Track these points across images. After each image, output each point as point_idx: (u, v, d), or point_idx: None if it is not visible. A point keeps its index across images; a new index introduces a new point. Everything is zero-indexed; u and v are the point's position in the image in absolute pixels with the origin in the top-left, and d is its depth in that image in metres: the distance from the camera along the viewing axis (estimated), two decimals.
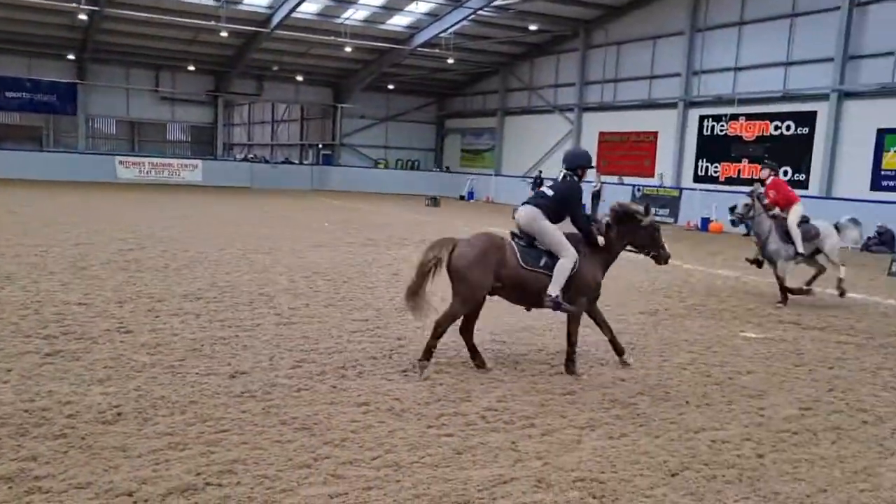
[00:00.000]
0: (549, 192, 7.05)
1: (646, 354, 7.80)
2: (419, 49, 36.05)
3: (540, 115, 37.85)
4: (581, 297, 6.87)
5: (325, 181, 41.33)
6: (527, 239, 6.91)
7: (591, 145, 34.33)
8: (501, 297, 6.94)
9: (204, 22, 31.61)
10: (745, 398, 6.43)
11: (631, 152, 32.54)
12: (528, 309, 7.20)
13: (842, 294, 11.75)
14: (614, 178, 32.11)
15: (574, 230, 6.98)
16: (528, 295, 6.82)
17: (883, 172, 23.60)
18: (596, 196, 28.45)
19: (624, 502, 4.31)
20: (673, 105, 30.25)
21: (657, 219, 7.42)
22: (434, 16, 33.72)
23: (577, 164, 7.14)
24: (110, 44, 35.67)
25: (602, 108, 33.98)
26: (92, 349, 6.86)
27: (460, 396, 6.04)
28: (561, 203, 6.95)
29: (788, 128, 26.37)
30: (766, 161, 13.90)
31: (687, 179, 29.86)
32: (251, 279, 11.02)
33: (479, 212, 30.31)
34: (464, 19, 33.00)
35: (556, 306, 6.70)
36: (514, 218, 7.16)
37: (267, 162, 43.73)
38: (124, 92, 39.08)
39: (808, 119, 25.70)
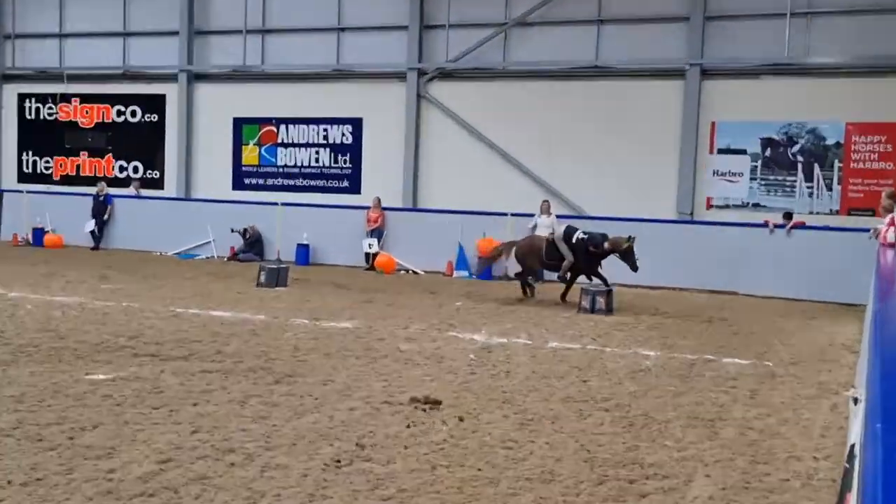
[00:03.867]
0: (582, 235, 17.02)
1: None
2: None
3: None
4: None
5: None
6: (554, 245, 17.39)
7: None
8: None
9: None
10: (91, 461, 6.33)
11: None
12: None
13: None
14: None
15: None
16: (552, 268, 17.82)
17: (244, 168, 26.08)
18: None
19: None
20: None
21: None
22: None
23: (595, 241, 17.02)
24: None
25: None
26: None
27: None
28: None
29: (134, 113, 27.32)
30: None
31: (9, 178, 28.66)
32: None
33: None
34: None
35: (560, 279, 17.54)
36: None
37: None
38: None
39: (158, 104, 26.97)
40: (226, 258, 23.49)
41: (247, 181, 26.13)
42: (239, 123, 26.12)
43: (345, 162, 25.06)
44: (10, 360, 9.67)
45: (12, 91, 28.62)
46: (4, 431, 6.98)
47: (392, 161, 24.36)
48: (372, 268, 22.06)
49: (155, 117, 27.09)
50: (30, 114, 28.51)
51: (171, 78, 26.58)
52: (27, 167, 28.61)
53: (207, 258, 23.80)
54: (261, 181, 25.96)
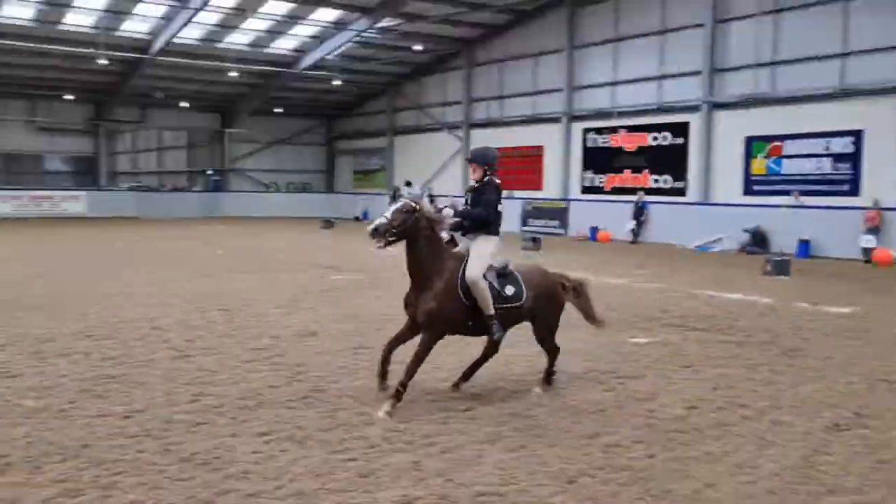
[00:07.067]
0: None
1: (541, 366, 7.99)
2: (305, 72, 35.91)
3: (429, 133, 38.25)
4: None
5: (215, 208, 40.36)
6: None
7: None
8: None
9: (82, 50, 30.51)
10: (636, 402, 6.72)
11: (519, 166, 33.28)
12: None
13: None
14: (504, 193, 32.88)
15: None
16: None
17: (753, 177, 25.06)
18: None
19: None
20: (557, 119, 31.19)
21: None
22: (319, 38, 33.70)
23: None
24: None
25: (489, 124, 34.69)
26: None
27: (362, 420, 6.06)
28: None
29: (665, 138, 27.63)
30: None
31: (574, 191, 30.79)
32: (142, 313, 10.68)
33: None
34: (348, 41, 33.13)
35: None
36: None
37: (155, 190, 42.41)
38: None
39: (682, 129, 27.03)
40: (735, 252, 22.85)
41: (756, 188, 25.03)
42: (750, 141, 25.10)
43: (845, 169, 22.77)
44: (577, 325, 10.45)
45: (578, 127, 30.66)
46: (576, 375, 7.68)
47: (890, 166, 21.52)
48: (869, 262, 19.86)
49: (681, 140, 27.15)
50: (589, 143, 30.29)
51: (694, 108, 26.43)
52: (587, 182, 30.47)
53: (720, 251, 23.36)
54: (768, 187, 24.69)
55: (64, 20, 29.92)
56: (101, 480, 4.77)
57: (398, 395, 6.22)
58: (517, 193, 32.35)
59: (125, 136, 49.25)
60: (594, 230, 27.96)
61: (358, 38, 32.78)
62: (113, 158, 43.75)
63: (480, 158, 6.98)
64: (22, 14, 29.02)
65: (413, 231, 6.37)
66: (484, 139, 34.73)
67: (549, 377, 7.15)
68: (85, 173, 41.15)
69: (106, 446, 5.36)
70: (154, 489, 4.65)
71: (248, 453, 5.27)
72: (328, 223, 32.49)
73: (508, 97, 33.73)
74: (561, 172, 31.18)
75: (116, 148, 46.50)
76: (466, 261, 6.51)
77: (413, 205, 6.40)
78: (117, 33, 31.26)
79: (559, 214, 30.22)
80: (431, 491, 4.68)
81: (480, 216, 6.74)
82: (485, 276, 6.47)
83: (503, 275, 6.67)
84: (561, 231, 29.62)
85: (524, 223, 30.98)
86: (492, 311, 6.43)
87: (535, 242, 23.00)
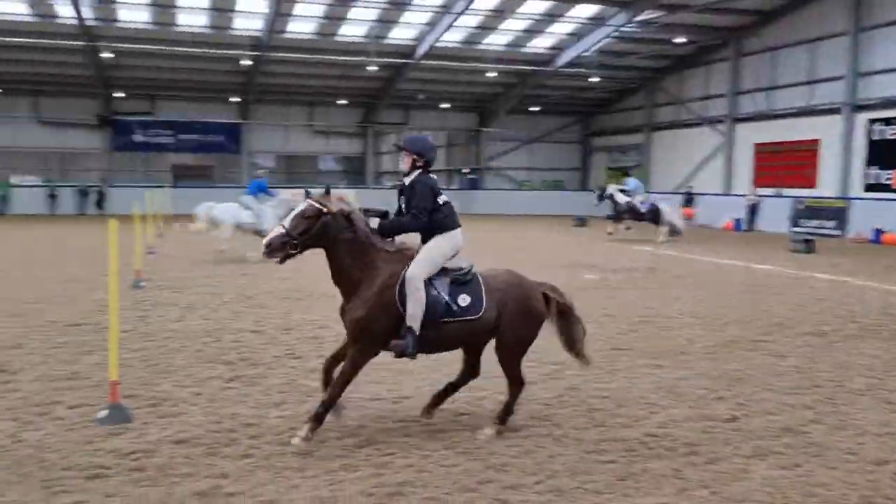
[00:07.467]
0: None
1: (816, 379, 7.43)
2: (562, 70, 36.16)
3: (688, 128, 36.86)
4: None
5: (470, 205, 41.84)
6: None
7: (745, 157, 33.11)
8: None
9: (355, 58, 33.31)
10: None
11: (789, 162, 30.99)
12: None
13: None
14: (771, 191, 30.88)
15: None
16: None
17: None
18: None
19: None
20: (836, 110, 28.59)
21: None
22: (576, 35, 33.76)
23: None
24: (270, 85, 38.20)
25: (756, 118, 32.64)
26: (267, 374, 7.38)
27: (619, 422, 6.02)
28: None
29: None
30: None
31: (856, 188, 28.06)
32: None
33: (626, 231, 29.39)
34: (606, 37, 32.82)
35: None
36: None
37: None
38: (282, 128, 41.62)
39: None
40: None
41: None
42: None
43: None
44: (859, 336, 9.60)
45: (862, 118, 27.84)
46: (858, 392, 7.04)
47: None
48: None
49: None
50: (875, 135, 27.40)
51: None
52: (871, 179, 27.60)
53: None
54: None
55: (340, 32, 32.77)
56: (373, 459, 5.19)
57: (318, 419, 5.44)
58: (786, 192, 30.22)
59: (389, 136, 52.73)
60: (878, 232, 25.27)
61: (616, 33, 32.37)
62: (378, 158, 46.96)
63: (410, 145, 5.91)
64: (305, 29, 32.24)
65: (326, 238, 5.47)
66: (750, 133, 32.88)
67: (505, 415, 5.84)
68: (354, 172, 44.73)
69: (377, 428, 5.83)
70: (421, 472, 4.97)
71: (506, 447, 5.46)
72: (581, 221, 32.45)
73: (779, 88, 31.51)
74: (839, 168, 28.54)
75: (381, 148, 49.92)
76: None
77: (318, 207, 5.43)
78: (385, 41, 33.64)
79: (836, 214, 27.66)
80: (695, 502, 4.55)
81: (410, 227, 5.77)
82: (431, 283, 5.54)
83: (460, 282, 5.67)
84: (837, 233, 27.11)
85: (794, 224, 28.74)
86: (415, 327, 5.44)
87: (808, 244, 21.28)
